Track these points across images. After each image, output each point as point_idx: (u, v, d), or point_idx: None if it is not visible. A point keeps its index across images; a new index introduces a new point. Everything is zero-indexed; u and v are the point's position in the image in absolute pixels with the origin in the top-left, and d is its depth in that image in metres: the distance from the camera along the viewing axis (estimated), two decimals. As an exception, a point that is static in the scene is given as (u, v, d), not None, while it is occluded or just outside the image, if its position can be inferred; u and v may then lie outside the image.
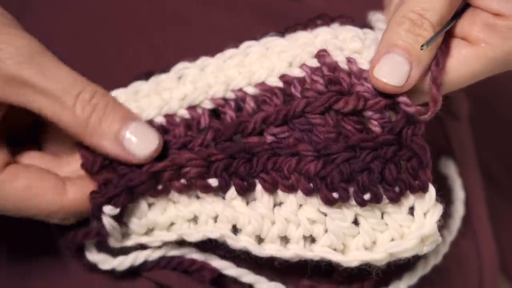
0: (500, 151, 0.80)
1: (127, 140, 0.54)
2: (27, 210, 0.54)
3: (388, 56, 0.52)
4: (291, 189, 0.54)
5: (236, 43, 0.61)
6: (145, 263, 0.58)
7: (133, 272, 0.59)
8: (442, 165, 0.69)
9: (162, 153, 0.56)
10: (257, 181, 0.55)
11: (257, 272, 0.58)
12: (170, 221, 0.57)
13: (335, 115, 0.54)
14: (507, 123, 0.80)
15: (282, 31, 0.61)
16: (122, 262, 0.57)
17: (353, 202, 0.53)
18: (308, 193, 0.54)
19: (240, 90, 0.57)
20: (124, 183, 0.54)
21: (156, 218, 0.57)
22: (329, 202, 0.53)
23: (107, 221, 0.55)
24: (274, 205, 0.56)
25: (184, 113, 0.58)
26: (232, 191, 0.56)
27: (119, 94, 0.59)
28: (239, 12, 0.68)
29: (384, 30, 0.54)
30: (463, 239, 0.67)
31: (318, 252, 0.54)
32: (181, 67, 0.60)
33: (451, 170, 0.68)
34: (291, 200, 0.55)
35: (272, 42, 0.58)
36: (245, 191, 0.55)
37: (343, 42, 0.56)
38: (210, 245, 0.58)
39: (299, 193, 0.54)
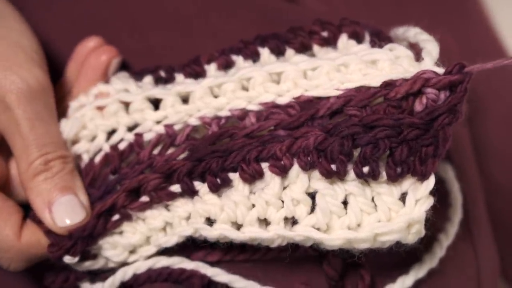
0: (499, 153, 0.79)
1: (56, 206, 0.57)
2: None
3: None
4: (282, 170, 0.54)
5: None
6: (135, 277, 0.58)
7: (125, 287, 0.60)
8: (440, 168, 0.68)
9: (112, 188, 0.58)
10: (230, 174, 0.55)
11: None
12: (145, 236, 0.58)
13: (370, 109, 0.53)
14: (506, 125, 0.79)
15: (282, 41, 0.59)
16: (113, 282, 0.58)
17: (349, 177, 0.53)
18: (304, 166, 0.53)
19: (241, 109, 0.57)
20: (77, 235, 0.56)
21: (130, 240, 0.58)
22: (327, 173, 0.53)
23: (76, 266, 0.58)
24: (254, 192, 0.55)
25: (159, 129, 0.58)
26: (205, 188, 0.55)
27: (84, 113, 0.60)
28: (237, 13, 0.68)
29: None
30: (461, 243, 0.66)
31: (301, 231, 0.53)
32: (156, 92, 0.59)
33: (448, 173, 0.67)
34: (275, 182, 0.54)
35: (281, 68, 0.57)
36: (218, 188, 0.55)
37: (380, 71, 0.55)
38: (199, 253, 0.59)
39: (291, 172, 0.54)
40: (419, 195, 0.53)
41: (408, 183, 0.53)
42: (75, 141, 0.61)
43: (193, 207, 0.56)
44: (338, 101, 0.54)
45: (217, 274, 0.58)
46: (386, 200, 0.53)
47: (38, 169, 0.57)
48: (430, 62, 0.54)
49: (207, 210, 0.55)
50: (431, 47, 0.55)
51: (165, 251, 0.59)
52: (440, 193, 0.55)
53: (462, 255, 0.67)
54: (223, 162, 0.54)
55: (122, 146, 0.59)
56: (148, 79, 0.62)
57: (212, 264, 0.58)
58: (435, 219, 0.55)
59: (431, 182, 0.53)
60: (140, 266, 0.58)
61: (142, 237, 0.58)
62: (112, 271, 0.59)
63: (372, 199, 0.54)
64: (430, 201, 0.53)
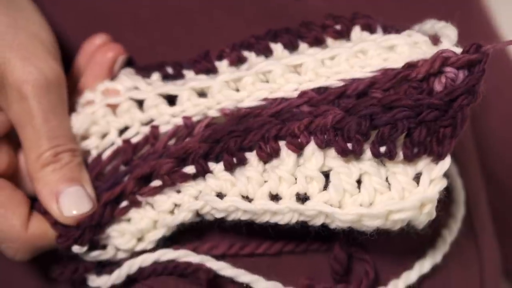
0: (501, 150, 0.79)
1: (63, 196, 0.57)
2: None
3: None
4: (298, 147, 0.54)
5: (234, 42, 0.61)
6: (141, 270, 0.58)
7: (131, 280, 0.60)
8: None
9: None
10: (247, 153, 0.55)
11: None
12: (153, 220, 0.58)
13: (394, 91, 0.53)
14: (508, 122, 0.80)
15: (295, 35, 0.60)
16: (119, 275, 0.59)
17: (364, 156, 0.53)
18: (320, 143, 0.53)
19: (264, 99, 0.57)
20: (84, 224, 0.57)
21: (138, 226, 0.58)
22: (343, 152, 0.53)
23: (85, 256, 0.59)
24: (268, 170, 0.55)
25: (177, 121, 0.58)
26: (219, 167, 0.55)
27: (95, 110, 0.60)
28: (240, 10, 0.68)
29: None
30: (464, 239, 0.67)
31: (313, 205, 0.53)
32: (170, 88, 0.59)
33: (451, 170, 0.67)
34: (290, 158, 0.54)
35: (300, 60, 0.57)
36: (233, 167, 0.55)
37: (400, 55, 0.55)
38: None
39: (307, 149, 0.54)
40: (433, 175, 0.53)
41: (423, 163, 0.53)
42: (84, 137, 0.61)
43: (204, 184, 0.56)
44: (364, 82, 0.54)
45: (223, 268, 0.57)
46: (400, 179, 0.53)
47: (47, 160, 0.57)
48: (448, 43, 0.54)
49: (219, 185, 0.55)
50: (449, 31, 0.56)
51: (170, 245, 0.59)
52: (443, 189, 0.55)
53: (465, 251, 0.67)
54: (241, 141, 0.54)
55: (136, 139, 0.59)
56: (156, 76, 0.62)
57: (217, 258, 0.58)
58: (445, 203, 0.55)
59: (446, 162, 0.53)
60: (146, 259, 0.58)
61: (150, 222, 0.58)
62: (119, 264, 0.59)
63: (386, 179, 0.54)
64: (444, 182, 0.53)
